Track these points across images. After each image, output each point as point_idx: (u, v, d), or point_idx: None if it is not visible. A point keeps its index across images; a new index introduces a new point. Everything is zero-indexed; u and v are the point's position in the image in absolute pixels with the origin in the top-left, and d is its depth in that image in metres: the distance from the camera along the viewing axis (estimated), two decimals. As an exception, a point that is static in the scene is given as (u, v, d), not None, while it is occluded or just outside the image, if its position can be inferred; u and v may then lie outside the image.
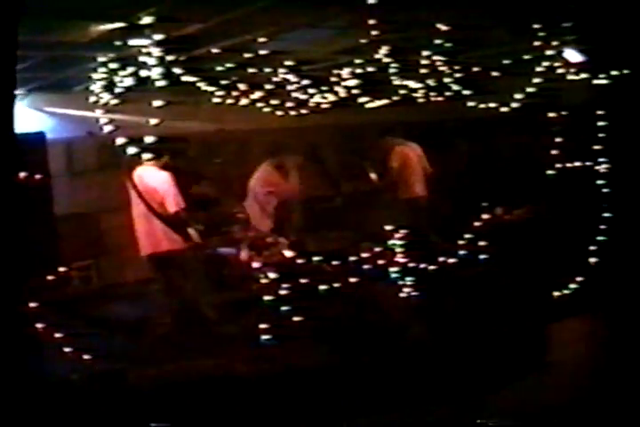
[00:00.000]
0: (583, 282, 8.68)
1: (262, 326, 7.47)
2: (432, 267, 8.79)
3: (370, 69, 8.67)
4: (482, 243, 9.12)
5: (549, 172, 9.50)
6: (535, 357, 7.23)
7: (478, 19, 7.72)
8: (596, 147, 9.21)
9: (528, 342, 7.46)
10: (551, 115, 9.42)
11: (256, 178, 10.70)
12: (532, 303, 8.18)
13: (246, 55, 8.02)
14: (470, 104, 9.53)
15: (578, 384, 6.62)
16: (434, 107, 9.90)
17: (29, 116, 10.13)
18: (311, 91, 8.87)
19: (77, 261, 10.46)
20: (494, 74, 9.00)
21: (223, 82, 8.36)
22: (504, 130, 12.58)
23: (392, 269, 8.66)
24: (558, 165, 9.49)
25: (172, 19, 6.92)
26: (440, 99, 9.41)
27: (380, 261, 8.86)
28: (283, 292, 8.00)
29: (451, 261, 8.93)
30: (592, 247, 9.01)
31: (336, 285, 8.23)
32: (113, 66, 7.62)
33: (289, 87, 8.74)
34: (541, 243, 9.35)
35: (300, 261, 8.96)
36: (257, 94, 8.71)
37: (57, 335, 7.11)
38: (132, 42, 7.29)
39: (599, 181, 9.20)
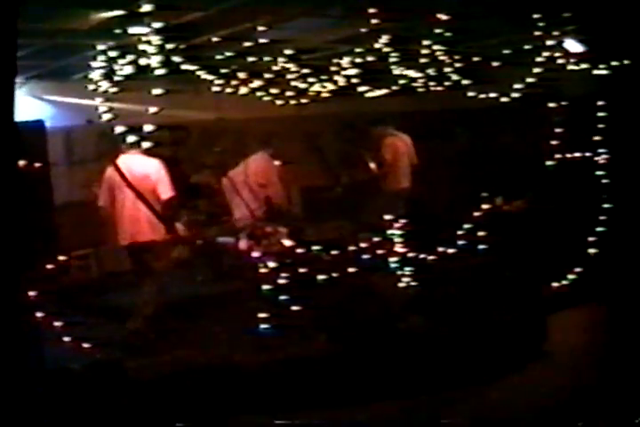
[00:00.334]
0: (582, 273, 8.69)
1: (261, 315, 7.47)
2: (428, 257, 8.79)
3: (368, 58, 8.67)
4: (473, 233, 9.11)
5: (548, 162, 9.50)
6: (533, 348, 7.25)
7: (478, 8, 7.72)
8: (596, 137, 9.21)
9: (525, 334, 7.47)
10: (550, 105, 9.42)
11: (249, 167, 10.74)
12: (530, 294, 8.19)
13: (246, 44, 7.98)
14: (468, 94, 9.53)
15: (576, 375, 6.64)
16: (429, 96, 9.91)
17: (28, 105, 10.11)
18: (310, 80, 8.88)
19: (76, 250, 10.45)
20: (494, 64, 8.98)
21: (223, 70, 8.35)
22: (500, 120, 12.58)
23: (383, 258, 8.67)
24: (557, 156, 9.49)
25: (171, 7, 6.89)
26: (439, 88, 9.42)
27: (374, 251, 8.85)
28: (281, 281, 8.00)
29: (448, 251, 8.92)
30: (591, 238, 9.02)
31: (333, 274, 8.23)
32: (112, 54, 7.59)
33: (288, 76, 8.74)
34: (540, 233, 9.35)
35: (298, 250, 8.94)
36: (256, 83, 8.72)
37: (56, 324, 7.11)
38: (131, 30, 7.26)
39: (599, 172, 9.21)
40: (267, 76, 8.67)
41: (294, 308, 7.54)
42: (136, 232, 8.18)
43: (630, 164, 9.32)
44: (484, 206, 9.57)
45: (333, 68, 8.89)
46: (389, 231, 9.02)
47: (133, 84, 7.81)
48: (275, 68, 8.58)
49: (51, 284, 8.12)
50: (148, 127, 7.80)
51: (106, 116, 7.78)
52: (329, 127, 13.03)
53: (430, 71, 9.03)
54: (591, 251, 8.96)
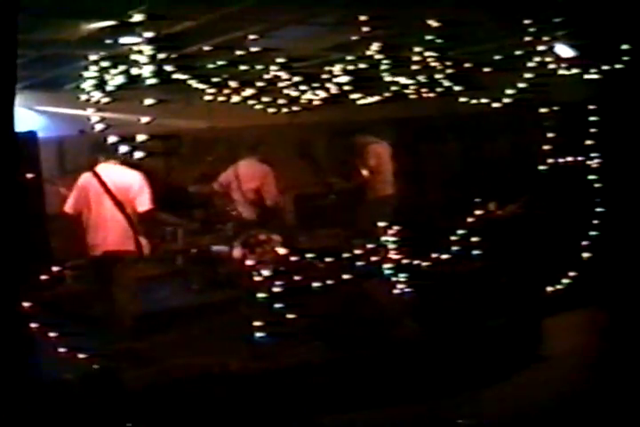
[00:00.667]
0: (576, 277, 8.71)
1: (256, 323, 7.47)
2: (423, 263, 8.80)
3: (360, 66, 8.68)
4: (466, 238, 9.12)
5: (541, 167, 9.52)
6: (529, 352, 7.25)
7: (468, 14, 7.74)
8: (588, 142, 9.23)
9: (521, 338, 7.48)
10: (542, 110, 9.44)
11: (240, 173, 10.83)
12: (525, 299, 8.20)
13: (238, 53, 7.99)
14: (459, 100, 9.55)
15: (572, 379, 6.64)
16: (420, 103, 9.93)
17: (20, 115, 10.08)
18: (302, 88, 8.88)
19: (70, 259, 10.42)
20: (485, 69, 9.00)
21: (214, 79, 8.35)
22: (492, 126, 12.63)
23: (378, 265, 8.68)
24: (550, 161, 9.51)
25: (162, 17, 6.90)
26: (430, 95, 9.43)
27: (368, 257, 8.86)
28: (276, 289, 8.00)
29: (442, 257, 8.94)
30: (585, 242, 9.04)
31: (328, 281, 8.24)
32: (104, 64, 7.59)
33: (280, 84, 8.74)
34: (534, 238, 9.37)
35: (292, 258, 8.95)
36: (248, 91, 8.72)
37: (51, 335, 7.09)
38: (122, 40, 7.27)
39: (591, 176, 9.23)
40: (258, 84, 8.67)
41: (289, 316, 7.55)
42: (111, 242, 8.12)
43: (623, 168, 9.34)
44: (478, 212, 9.58)
45: (325, 76, 8.89)
46: (383, 238, 9.04)
47: (125, 93, 7.81)
48: (266, 76, 8.59)
49: (44, 294, 8.12)
50: (140, 137, 7.80)
51: (98, 127, 7.78)
52: (320, 135, 13.04)
53: (421, 78, 9.04)
54: (585, 255, 8.98)
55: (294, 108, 9.28)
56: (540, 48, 8.71)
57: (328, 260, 8.83)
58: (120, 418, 6.06)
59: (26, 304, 5.93)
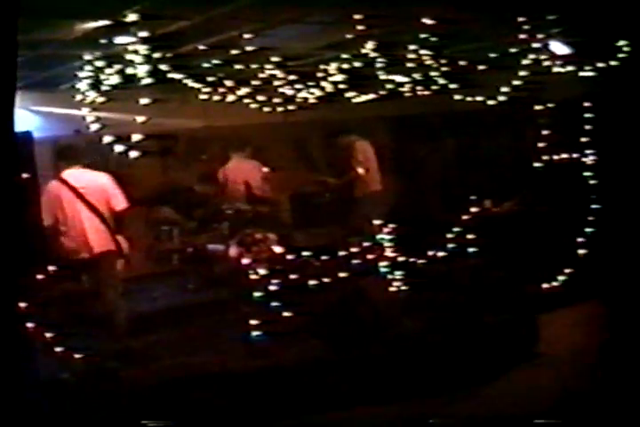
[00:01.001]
0: (571, 274, 8.72)
1: (252, 321, 7.48)
2: (418, 260, 8.81)
3: (355, 64, 8.69)
4: (462, 235, 9.14)
5: (536, 164, 9.53)
6: (525, 349, 7.27)
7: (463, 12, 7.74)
8: (583, 139, 9.24)
9: (517, 335, 7.49)
10: (537, 107, 9.46)
11: (232, 171, 10.90)
12: (520, 296, 8.21)
13: (233, 52, 7.99)
14: (454, 97, 9.57)
15: (568, 377, 6.66)
16: (415, 100, 9.94)
17: (15, 115, 10.05)
18: (297, 86, 8.89)
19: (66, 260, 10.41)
20: (480, 67, 9.01)
21: (210, 78, 8.36)
22: (487, 123, 12.65)
23: (373, 263, 8.69)
24: (545, 158, 9.52)
25: (157, 16, 6.90)
26: (425, 93, 9.44)
27: (364, 255, 8.88)
28: (272, 287, 8.01)
29: (438, 254, 8.95)
30: (580, 239, 9.06)
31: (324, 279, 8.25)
32: (99, 64, 7.60)
33: (275, 83, 8.75)
34: (529, 235, 9.39)
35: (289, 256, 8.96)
36: (243, 90, 8.73)
37: (48, 335, 7.09)
38: (117, 40, 7.27)
39: (587, 173, 9.25)
40: (254, 83, 8.68)
41: (286, 314, 7.56)
42: (92, 244, 8.20)
43: (618, 164, 9.36)
44: (473, 209, 9.59)
45: (320, 74, 8.90)
46: (379, 236, 9.05)
47: (121, 93, 7.82)
48: (261, 75, 8.60)
49: (39, 295, 8.11)
50: (135, 136, 7.81)
51: (94, 126, 7.79)
52: (314, 133, 13.03)
53: (417, 76, 9.05)
54: (580, 252, 9.00)
55: (289, 107, 9.30)
56: (535, 45, 8.73)
57: (324, 258, 8.85)
58: (116, 417, 6.06)
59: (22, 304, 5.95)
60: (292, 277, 8.25)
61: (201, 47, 8.06)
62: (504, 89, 9.10)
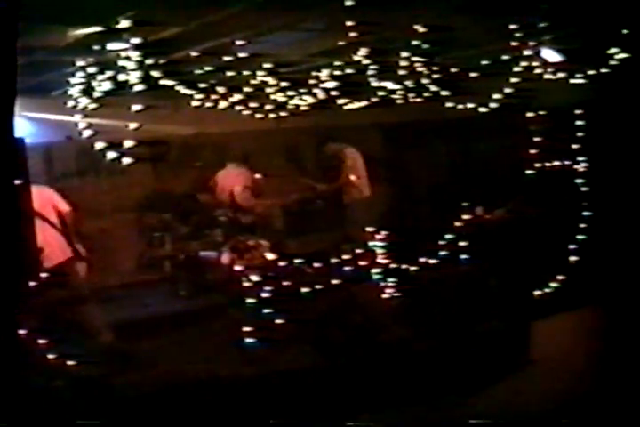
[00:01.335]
0: (565, 280, 8.73)
1: (245, 328, 7.47)
2: (411, 267, 8.81)
3: (347, 71, 8.69)
4: (454, 242, 9.14)
5: (528, 172, 9.55)
6: (518, 355, 7.27)
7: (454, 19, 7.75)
8: (575, 146, 9.26)
9: (511, 341, 7.49)
10: (528, 115, 9.48)
11: (223, 178, 10.90)
12: (514, 302, 8.21)
13: (225, 58, 7.99)
14: (446, 104, 9.58)
15: (561, 384, 6.66)
16: (407, 108, 9.95)
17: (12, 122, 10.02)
18: (289, 93, 8.89)
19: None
20: (472, 74, 9.02)
21: (202, 85, 8.36)
22: (479, 130, 12.69)
23: (366, 270, 8.69)
24: (537, 165, 9.54)
25: (149, 22, 6.89)
26: (417, 100, 9.45)
27: (356, 262, 8.87)
28: (264, 294, 8.00)
29: (430, 261, 8.95)
30: (573, 246, 9.07)
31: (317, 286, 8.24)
32: (91, 70, 7.58)
33: (267, 90, 8.75)
34: (522, 242, 9.39)
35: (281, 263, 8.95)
36: (235, 97, 8.73)
37: (40, 341, 7.06)
38: (109, 46, 7.26)
39: (579, 180, 9.27)
40: (246, 89, 8.68)
41: (278, 321, 7.55)
42: (53, 256, 8.32)
43: (611, 171, 9.38)
44: (465, 216, 9.60)
45: (312, 81, 8.90)
46: (371, 242, 9.05)
47: (113, 99, 7.81)
48: (253, 81, 8.60)
49: (30, 300, 8.08)
50: (127, 143, 7.79)
51: (85, 133, 7.77)
52: (306, 140, 13.02)
53: (409, 83, 9.05)
54: (573, 259, 9.01)
55: (281, 114, 9.30)
56: (527, 53, 8.74)
57: (316, 265, 8.84)
58: (109, 424, 6.04)
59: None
60: (285, 283, 8.24)
61: (193, 54, 8.05)
62: (496, 96, 9.10)
